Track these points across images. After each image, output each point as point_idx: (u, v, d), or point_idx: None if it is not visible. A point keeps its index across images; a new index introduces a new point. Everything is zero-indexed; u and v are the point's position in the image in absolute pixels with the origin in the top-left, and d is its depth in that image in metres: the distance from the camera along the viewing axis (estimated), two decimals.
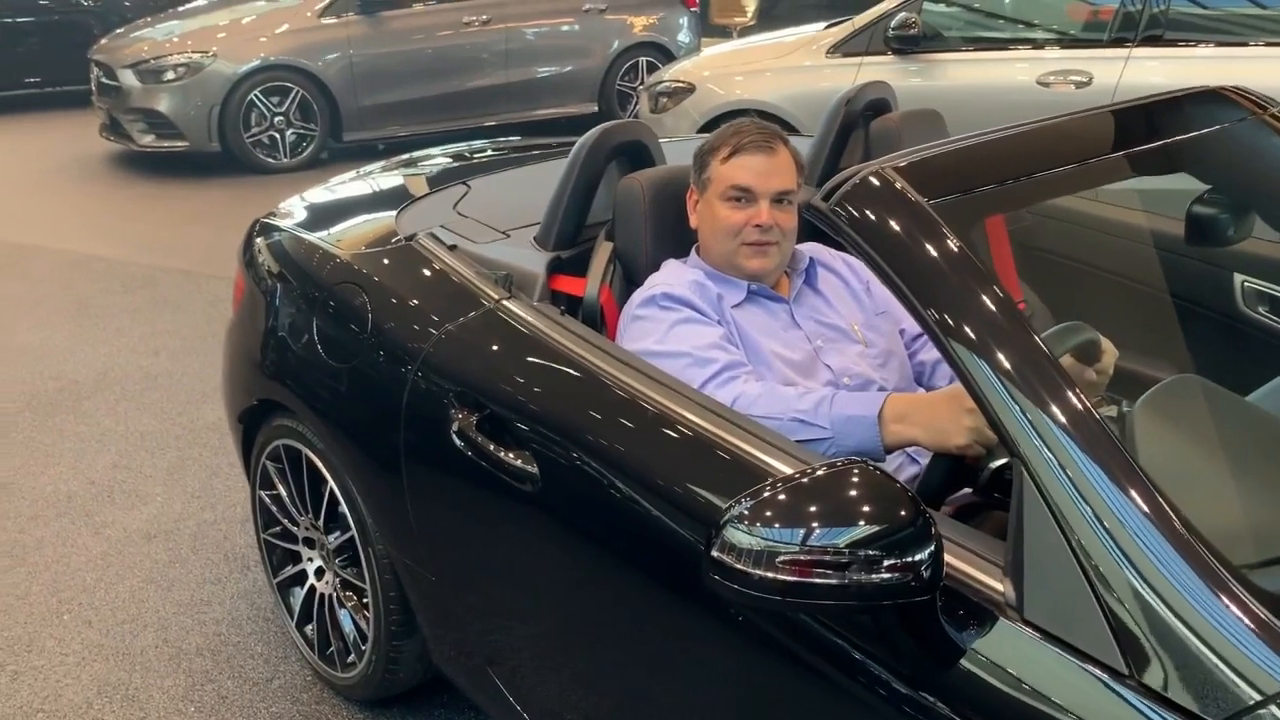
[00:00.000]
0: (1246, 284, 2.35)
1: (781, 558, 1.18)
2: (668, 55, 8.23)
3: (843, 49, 5.39)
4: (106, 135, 7.58)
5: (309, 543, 2.46)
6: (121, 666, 2.57)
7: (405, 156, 3.23)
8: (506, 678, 1.97)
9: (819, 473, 1.23)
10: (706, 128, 5.31)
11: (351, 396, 2.15)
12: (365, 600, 2.26)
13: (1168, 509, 1.16)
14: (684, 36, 8.64)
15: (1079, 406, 1.23)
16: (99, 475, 3.45)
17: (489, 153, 3.25)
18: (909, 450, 1.74)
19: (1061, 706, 1.14)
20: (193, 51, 7.16)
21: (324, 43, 7.35)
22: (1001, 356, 1.28)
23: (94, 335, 4.63)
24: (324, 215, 2.63)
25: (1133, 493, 1.17)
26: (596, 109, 8.21)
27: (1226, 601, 1.11)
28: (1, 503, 3.29)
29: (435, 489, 1.96)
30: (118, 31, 8.08)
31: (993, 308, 1.32)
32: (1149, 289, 2.45)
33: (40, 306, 5.00)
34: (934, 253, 1.39)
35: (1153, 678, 1.10)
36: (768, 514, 1.20)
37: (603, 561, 1.71)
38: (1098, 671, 1.13)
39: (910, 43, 5.18)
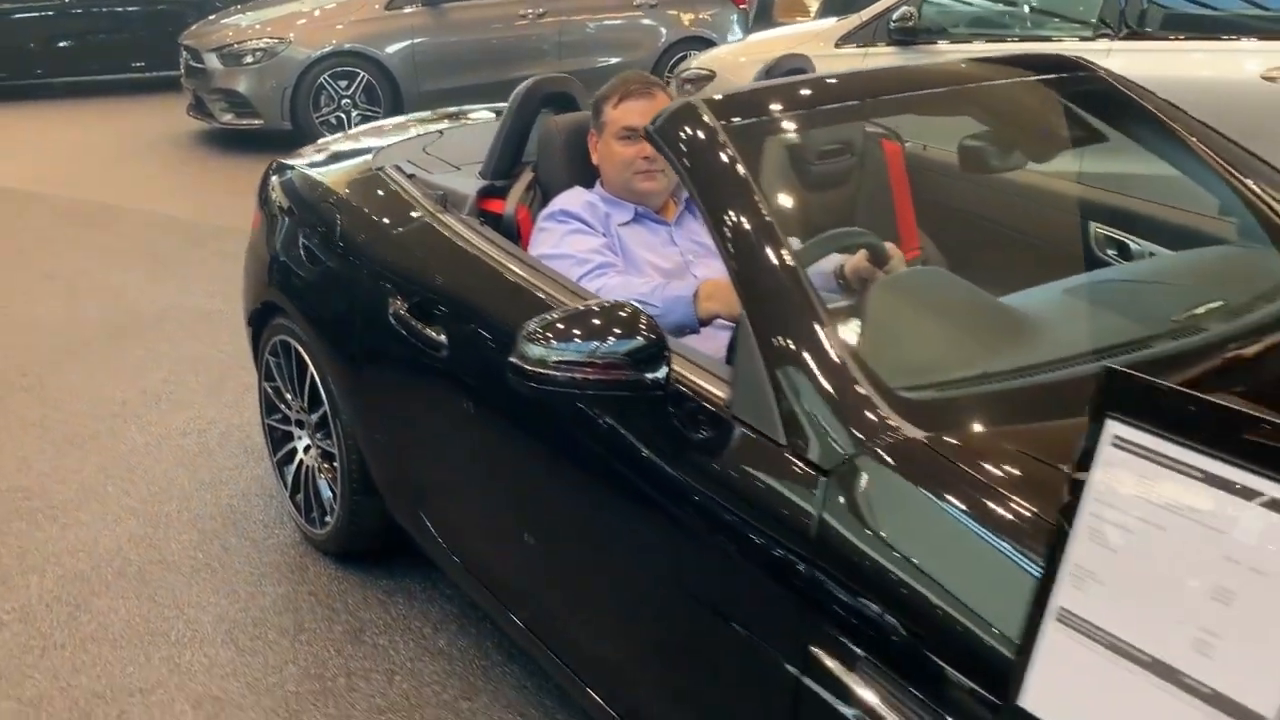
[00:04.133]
0: (1098, 231, 2.74)
1: (558, 359, 1.64)
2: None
3: (851, 40, 5.78)
4: (192, 114, 8.31)
5: (299, 424, 2.97)
6: (147, 524, 3.12)
7: (454, 109, 3.73)
8: (438, 522, 2.45)
9: (594, 307, 1.68)
10: None
11: (323, 293, 2.66)
12: (336, 465, 2.77)
13: (829, 337, 1.59)
14: (734, 34, 9.06)
15: (789, 275, 1.66)
16: (151, 386, 4.04)
17: None
18: (723, 322, 2.18)
19: (743, 466, 1.58)
20: (270, 37, 7.83)
21: (390, 32, 7.96)
22: (751, 242, 1.72)
23: (163, 279, 5.26)
24: (330, 156, 3.15)
25: (815, 326, 1.61)
26: None
27: (854, 391, 1.53)
28: (70, 401, 3.90)
29: (378, 362, 2.46)
30: (209, 18, 8.82)
31: (747, 209, 1.76)
32: (1026, 236, 2.84)
33: (123, 255, 5.67)
34: (718, 164, 1.83)
35: (799, 446, 1.53)
36: (558, 328, 1.66)
37: (493, 407, 2.18)
38: (769, 444, 1.57)
39: (909, 34, 5.56)
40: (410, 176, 2.64)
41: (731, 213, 1.77)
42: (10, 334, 4.59)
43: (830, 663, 1.45)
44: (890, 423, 1.49)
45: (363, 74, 7.88)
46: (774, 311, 1.65)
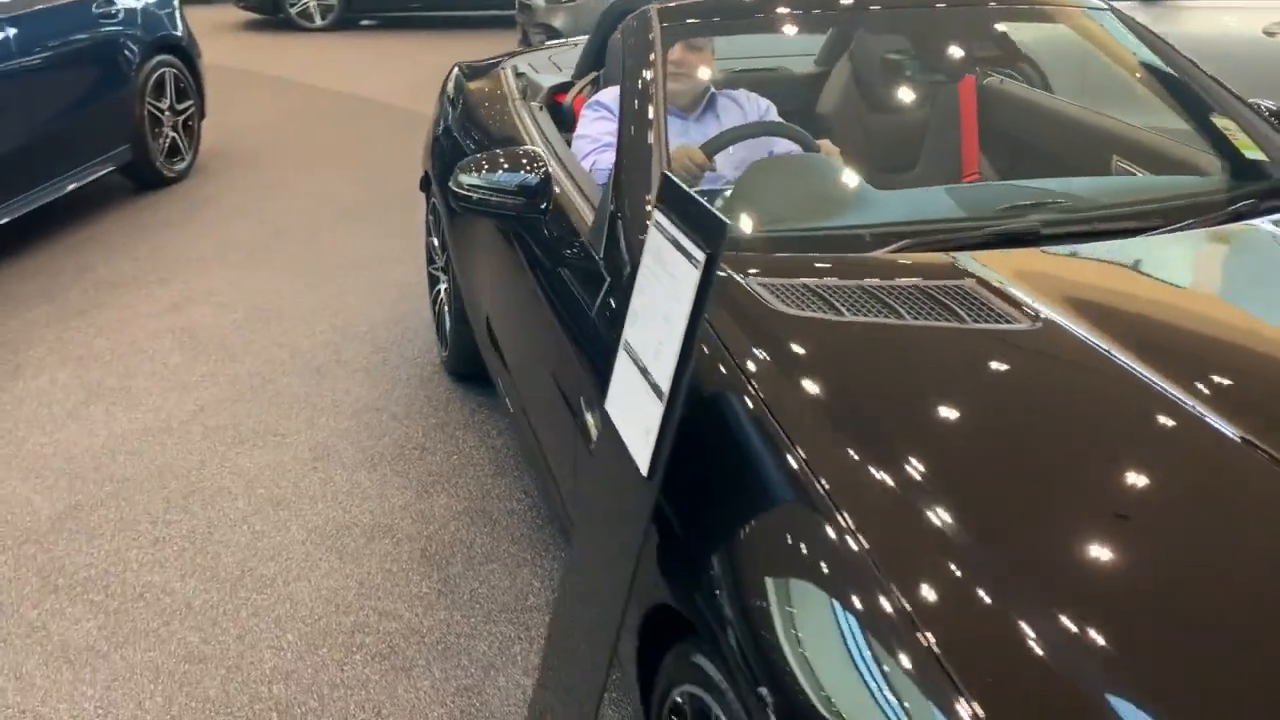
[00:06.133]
0: (1119, 163, 2.96)
1: (471, 183, 2.28)
2: None
3: None
4: (521, 46, 9.47)
5: (442, 270, 3.79)
6: (339, 336, 4.09)
7: None
8: (484, 336, 3.16)
9: (508, 151, 2.30)
10: None
11: (445, 160, 3.43)
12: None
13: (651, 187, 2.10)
14: None
15: (641, 140, 2.19)
16: (386, 249, 5.06)
17: None
18: None
19: (579, 277, 2.15)
20: None
21: None
22: (633, 113, 2.26)
23: None
24: (491, 61, 3.91)
25: (638, 179, 2.13)
26: None
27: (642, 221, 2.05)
28: (327, 251, 5.01)
29: (462, 214, 3.19)
30: None
31: (643, 90, 2.28)
32: (1063, 162, 3.09)
33: (418, 153, 6.82)
34: (642, 53, 2.37)
35: (608, 259, 2.08)
36: (479, 165, 2.30)
37: (502, 241, 2.82)
38: (597, 261, 2.12)
39: None
40: (520, 75, 3.34)
41: (632, 89, 2.30)
42: (312, 201, 5.83)
43: (584, 405, 2.01)
44: None
45: None
46: (628, 169, 2.18)
